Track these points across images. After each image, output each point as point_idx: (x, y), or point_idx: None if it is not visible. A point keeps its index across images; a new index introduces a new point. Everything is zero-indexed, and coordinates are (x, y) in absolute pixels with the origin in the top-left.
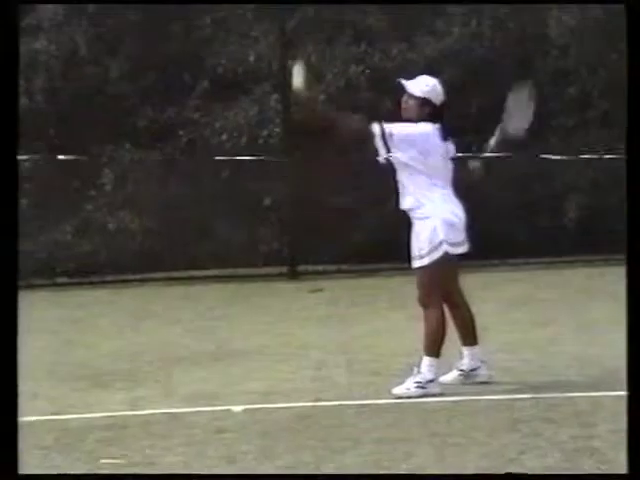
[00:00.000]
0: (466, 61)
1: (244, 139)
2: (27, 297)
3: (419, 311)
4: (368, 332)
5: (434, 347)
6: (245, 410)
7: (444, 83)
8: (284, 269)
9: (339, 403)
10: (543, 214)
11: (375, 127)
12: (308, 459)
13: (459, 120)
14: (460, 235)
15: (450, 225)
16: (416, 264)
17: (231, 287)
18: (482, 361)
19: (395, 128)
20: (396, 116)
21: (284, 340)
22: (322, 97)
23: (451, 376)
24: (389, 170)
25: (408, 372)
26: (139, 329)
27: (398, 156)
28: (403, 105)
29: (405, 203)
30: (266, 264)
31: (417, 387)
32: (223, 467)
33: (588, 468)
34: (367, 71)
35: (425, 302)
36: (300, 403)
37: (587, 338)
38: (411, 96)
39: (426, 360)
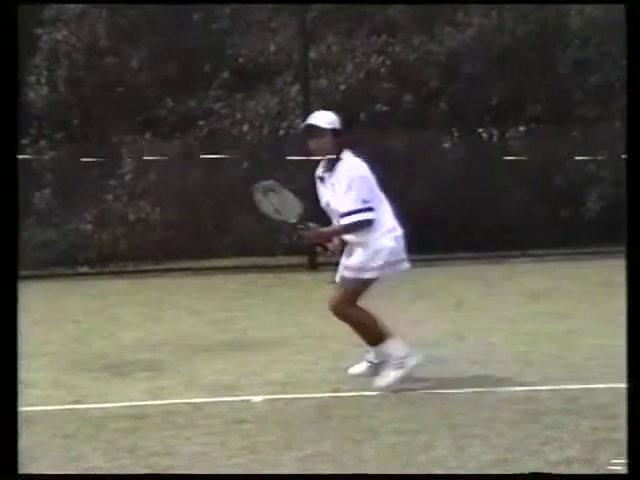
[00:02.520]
0: (487, 52)
1: (265, 130)
2: (49, 287)
3: (439, 302)
4: (387, 323)
5: (379, 335)
6: (265, 400)
7: (465, 74)
8: (304, 260)
9: (358, 394)
10: (564, 205)
11: (351, 219)
12: (328, 449)
13: (480, 111)
14: (401, 251)
15: (397, 243)
16: (350, 275)
17: (251, 278)
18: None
19: (356, 194)
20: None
21: (303, 331)
22: (343, 87)
23: (359, 367)
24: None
25: (427, 363)
26: (159, 319)
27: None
28: (314, 146)
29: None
30: (286, 254)
31: (396, 368)
32: (243, 457)
33: (609, 460)
34: (388, 62)
35: (340, 314)
36: (319, 394)
37: (608, 330)
38: (319, 131)
39: (382, 347)
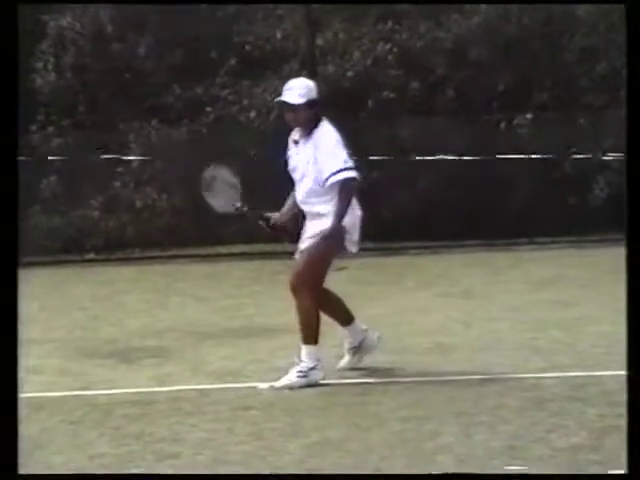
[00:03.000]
0: (494, 39)
1: (272, 117)
2: (56, 273)
3: (445, 290)
4: (393, 311)
5: (312, 335)
6: (271, 387)
7: (471, 61)
8: None
9: (365, 381)
10: (571, 193)
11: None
12: (334, 436)
13: (486, 98)
14: (357, 232)
15: (354, 222)
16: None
17: (257, 264)
18: (364, 331)
19: (334, 157)
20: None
21: None
22: (350, 74)
23: (345, 359)
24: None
25: (434, 350)
26: (166, 306)
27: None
28: (290, 118)
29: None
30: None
31: (299, 376)
32: (250, 444)
33: (615, 447)
34: (395, 49)
35: (304, 285)
36: (326, 381)
37: (614, 317)
38: (294, 107)
39: (305, 349)
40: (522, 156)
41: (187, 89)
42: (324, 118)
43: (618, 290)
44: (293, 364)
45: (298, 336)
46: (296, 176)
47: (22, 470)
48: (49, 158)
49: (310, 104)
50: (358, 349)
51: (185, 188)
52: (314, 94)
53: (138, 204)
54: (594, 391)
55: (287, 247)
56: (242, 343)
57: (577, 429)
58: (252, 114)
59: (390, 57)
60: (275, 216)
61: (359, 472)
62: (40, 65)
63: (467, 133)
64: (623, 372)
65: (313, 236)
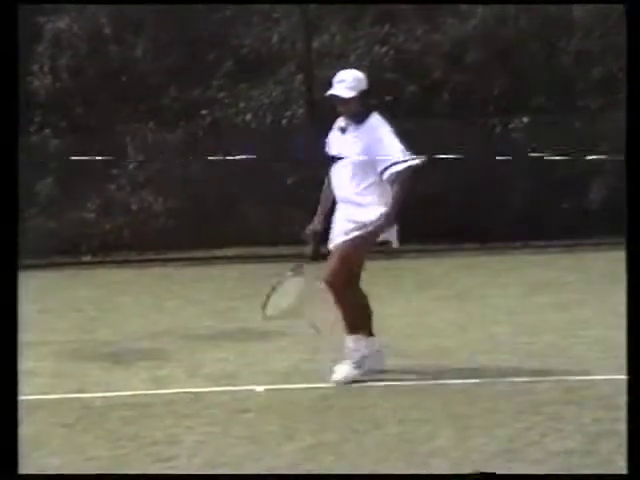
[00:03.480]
0: (490, 42)
1: (268, 119)
2: (52, 276)
3: (444, 292)
4: (392, 313)
5: (361, 325)
6: (267, 390)
7: (468, 64)
8: (306, 249)
9: (361, 384)
10: (567, 197)
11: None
12: (329, 440)
13: (482, 101)
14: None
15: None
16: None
17: (253, 267)
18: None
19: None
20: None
21: (306, 321)
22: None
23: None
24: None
25: (432, 354)
26: (162, 309)
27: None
28: (342, 108)
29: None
30: (288, 244)
31: (355, 367)
32: (245, 447)
33: (610, 450)
34: (391, 52)
35: (341, 282)
36: (321, 384)
37: (610, 321)
38: (345, 100)
39: (353, 339)
40: (518, 159)
41: (184, 91)
42: (374, 111)
43: (614, 294)
44: (343, 358)
45: (343, 330)
46: (339, 162)
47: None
48: (46, 160)
49: (361, 95)
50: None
51: (181, 191)
52: (364, 85)
53: (134, 207)
54: (589, 395)
55: (282, 250)
56: (238, 346)
57: (572, 433)
58: (248, 117)
59: (386, 60)
60: (316, 227)
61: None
62: (37, 67)
63: (463, 136)
64: (618, 376)
65: (354, 228)
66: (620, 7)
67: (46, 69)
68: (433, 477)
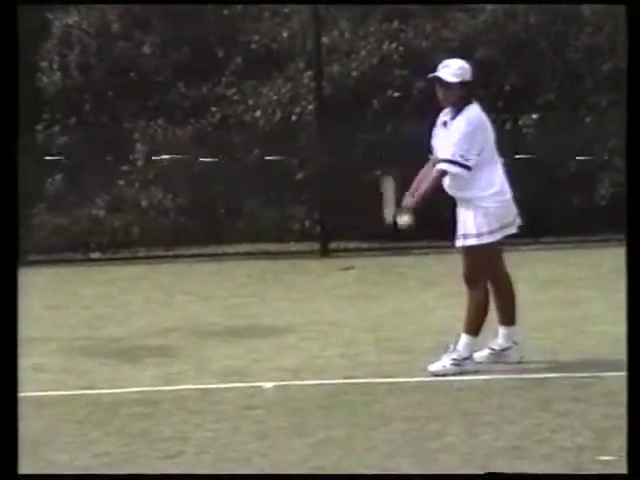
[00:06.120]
0: (500, 39)
1: (277, 116)
2: (61, 272)
3: (449, 289)
4: (398, 310)
5: (473, 326)
6: (275, 387)
7: (478, 61)
8: (315, 246)
9: (369, 381)
10: (576, 193)
11: (444, 167)
12: (338, 436)
13: (493, 98)
14: (511, 214)
15: (504, 206)
16: (469, 242)
17: (262, 264)
18: (515, 342)
19: (457, 147)
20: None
21: (314, 317)
22: (355, 74)
23: (482, 354)
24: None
25: (438, 350)
26: (171, 305)
27: (477, 158)
28: (442, 95)
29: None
30: (297, 241)
31: (453, 364)
32: (254, 443)
33: (620, 447)
34: (400, 48)
35: (472, 282)
36: (330, 380)
37: (619, 317)
38: (447, 84)
39: (464, 338)
40: (527, 156)
41: (192, 88)
42: (474, 101)
43: (622, 290)
44: (447, 349)
45: (461, 324)
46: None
47: (26, 468)
48: (54, 157)
49: (462, 84)
50: (498, 353)
51: (190, 187)
52: (468, 76)
53: (143, 203)
54: (598, 391)
55: (292, 247)
56: (247, 342)
57: (581, 429)
58: (258, 113)
59: (396, 56)
60: (409, 201)
61: (363, 472)
62: (45, 64)
63: None
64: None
65: (464, 236)
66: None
67: (55, 66)
68: (437, 477)
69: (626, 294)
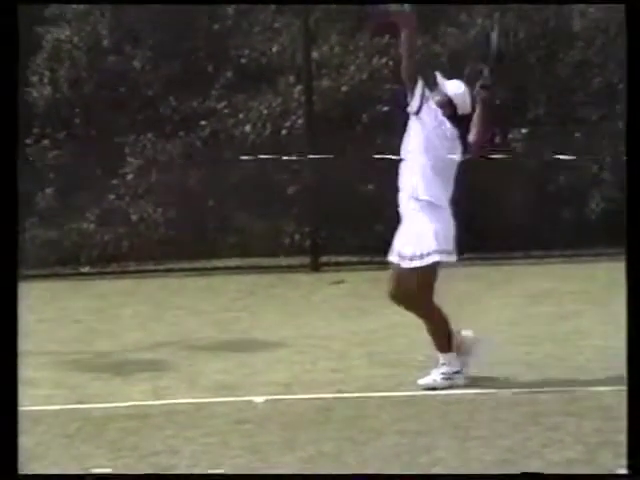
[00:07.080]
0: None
1: (267, 130)
2: (51, 286)
3: (442, 302)
4: (389, 324)
5: (444, 342)
6: (266, 401)
7: (467, 75)
8: (306, 260)
9: (360, 395)
10: (566, 207)
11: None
12: (329, 450)
13: None
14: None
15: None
16: (416, 263)
17: (253, 278)
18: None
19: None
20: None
21: (305, 332)
22: (345, 88)
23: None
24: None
25: (429, 364)
26: (161, 319)
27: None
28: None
29: (427, 192)
30: (288, 255)
31: (443, 378)
32: (245, 457)
33: (611, 461)
34: (390, 63)
35: (418, 303)
36: (321, 395)
37: (610, 331)
38: (442, 93)
39: (443, 356)
40: (517, 170)
41: (183, 102)
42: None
43: (613, 304)
44: (437, 363)
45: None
46: None
47: None
48: (45, 171)
49: (450, 102)
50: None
51: (181, 201)
52: (460, 102)
53: (133, 217)
54: (590, 405)
55: (282, 261)
56: (237, 356)
57: (572, 443)
58: (247, 128)
59: (386, 71)
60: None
61: None
62: (35, 78)
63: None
64: (619, 386)
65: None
66: (619, 15)
67: (45, 80)
68: (438, 477)
69: (626, 295)
